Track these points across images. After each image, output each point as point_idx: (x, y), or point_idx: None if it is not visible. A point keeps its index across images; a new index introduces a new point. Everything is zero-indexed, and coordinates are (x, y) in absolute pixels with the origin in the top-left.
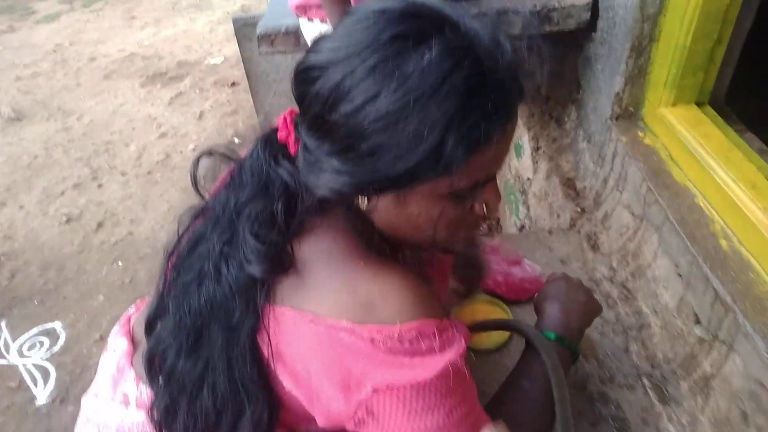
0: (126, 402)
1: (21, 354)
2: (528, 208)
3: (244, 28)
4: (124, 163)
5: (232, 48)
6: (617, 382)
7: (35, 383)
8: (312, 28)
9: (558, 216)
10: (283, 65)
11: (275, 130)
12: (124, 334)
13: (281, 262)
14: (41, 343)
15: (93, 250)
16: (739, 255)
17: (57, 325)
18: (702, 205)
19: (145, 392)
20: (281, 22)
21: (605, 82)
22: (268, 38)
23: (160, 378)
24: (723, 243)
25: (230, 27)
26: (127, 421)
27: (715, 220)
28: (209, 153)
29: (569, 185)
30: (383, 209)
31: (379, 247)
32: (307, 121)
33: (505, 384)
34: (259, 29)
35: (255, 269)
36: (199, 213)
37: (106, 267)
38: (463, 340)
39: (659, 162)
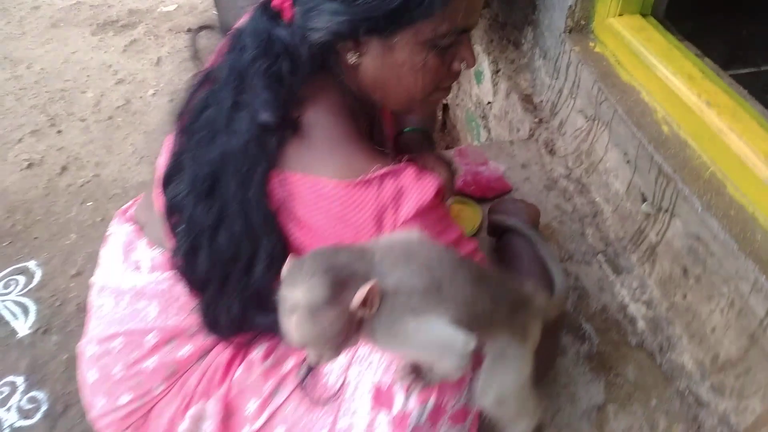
0: (138, 268)
1: None
2: (489, 131)
3: None
4: (82, 110)
5: None
6: (575, 260)
7: (15, 317)
8: None
9: (517, 130)
10: None
11: (268, 1)
12: (126, 221)
13: (290, 117)
14: (16, 282)
15: (59, 192)
16: (677, 137)
17: (31, 263)
18: (646, 99)
19: (158, 256)
20: None
21: None
22: None
23: (179, 227)
24: (665, 128)
25: None
26: (141, 282)
27: (657, 110)
28: (208, 27)
29: (527, 101)
30: (371, 61)
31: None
32: None
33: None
34: None
35: (267, 117)
36: (203, 80)
37: (75, 208)
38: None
39: (608, 66)
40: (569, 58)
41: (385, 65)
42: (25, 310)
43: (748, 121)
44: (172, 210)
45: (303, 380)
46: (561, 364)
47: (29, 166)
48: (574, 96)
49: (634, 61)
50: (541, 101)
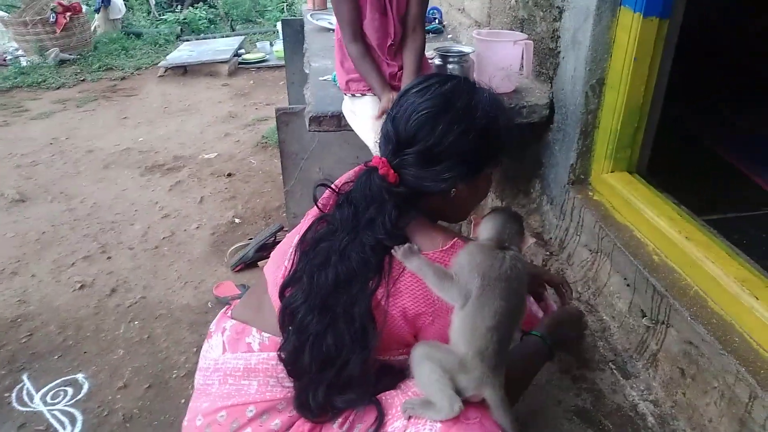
0: (250, 349)
1: (45, 402)
2: None
3: (283, 115)
4: (130, 239)
5: (225, 146)
6: (591, 367)
7: (63, 427)
8: (355, 103)
9: (531, 261)
10: (309, 146)
11: (373, 170)
12: (228, 318)
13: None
14: (65, 392)
15: (109, 312)
16: (666, 264)
17: (79, 376)
18: (638, 236)
19: (267, 337)
20: (327, 109)
21: (562, 159)
22: (317, 120)
23: (290, 328)
24: (655, 258)
25: (221, 128)
26: (254, 361)
27: (648, 244)
28: (324, 185)
29: (538, 238)
30: (461, 193)
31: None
32: (421, 152)
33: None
34: (310, 113)
35: (389, 242)
36: (319, 220)
37: (123, 326)
38: None
39: (605, 210)
40: (573, 204)
41: (471, 194)
42: (73, 420)
43: (719, 252)
44: (285, 312)
45: None
46: None
47: (81, 287)
48: (579, 234)
49: (626, 206)
50: (551, 238)
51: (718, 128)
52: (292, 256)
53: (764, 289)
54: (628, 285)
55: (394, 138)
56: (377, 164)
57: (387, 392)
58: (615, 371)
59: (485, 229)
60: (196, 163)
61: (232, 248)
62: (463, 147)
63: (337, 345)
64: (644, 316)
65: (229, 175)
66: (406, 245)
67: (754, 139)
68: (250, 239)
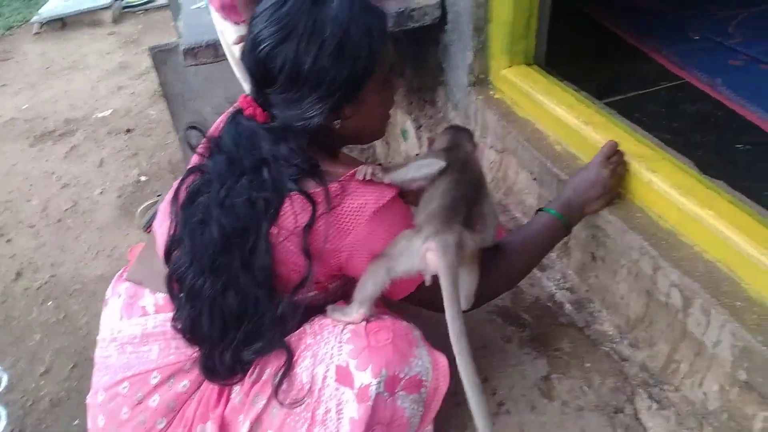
0: (145, 313)
1: None
2: None
3: (159, 54)
4: (29, 217)
5: (119, 101)
6: None
7: None
8: (217, 23)
9: None
10: (194, 85)
11: (239, 111)
12: (123, 281)
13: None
14: None
15: (17, 297)
16: (567, 152)
17: None
18: (540, 128)
19: (162, 297)
20: (202, 38)
21: (460, 60)
22: (192, 52)
23: (181, 295)
24: (557, 147)
25: (113, 81)
26: (150, 325)
27: (550, 135)
28: (194, 127)
29: None
30: (352, 116)
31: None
32: (280, 88)
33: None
34: (183, 45)
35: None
36: (190, 173)
37: (36, 309)
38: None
39: (507, 107)
40: (476, 107)
41: (363, 112)
42: None
43: (617, 131)
44: (172, 279)
45: (278, 385)
46: (509, 349)
47: None
48: (485, 136)
49: (526, 100)
50: None
51: (616, 8)
52: (173, 213)
53: (661, 161)
54: (534, 179)
55: (251, 76)
56: (243, 105)
57: (294, 332)
58: None
59: (439, 143)
60: (90, 124)
61: (141, 208)
62: (323, 74)
63: (240, 305)
64: None
65: (128, 131)
66: (376, 165)
67: (654, 14)
68: (159, 195)
